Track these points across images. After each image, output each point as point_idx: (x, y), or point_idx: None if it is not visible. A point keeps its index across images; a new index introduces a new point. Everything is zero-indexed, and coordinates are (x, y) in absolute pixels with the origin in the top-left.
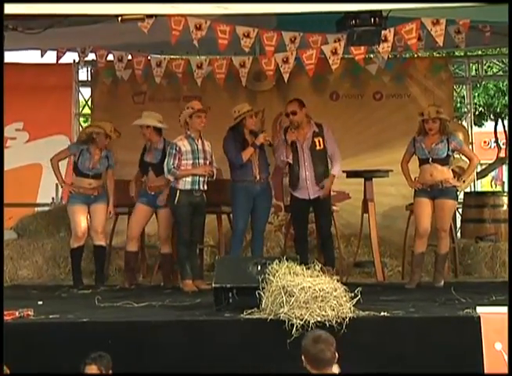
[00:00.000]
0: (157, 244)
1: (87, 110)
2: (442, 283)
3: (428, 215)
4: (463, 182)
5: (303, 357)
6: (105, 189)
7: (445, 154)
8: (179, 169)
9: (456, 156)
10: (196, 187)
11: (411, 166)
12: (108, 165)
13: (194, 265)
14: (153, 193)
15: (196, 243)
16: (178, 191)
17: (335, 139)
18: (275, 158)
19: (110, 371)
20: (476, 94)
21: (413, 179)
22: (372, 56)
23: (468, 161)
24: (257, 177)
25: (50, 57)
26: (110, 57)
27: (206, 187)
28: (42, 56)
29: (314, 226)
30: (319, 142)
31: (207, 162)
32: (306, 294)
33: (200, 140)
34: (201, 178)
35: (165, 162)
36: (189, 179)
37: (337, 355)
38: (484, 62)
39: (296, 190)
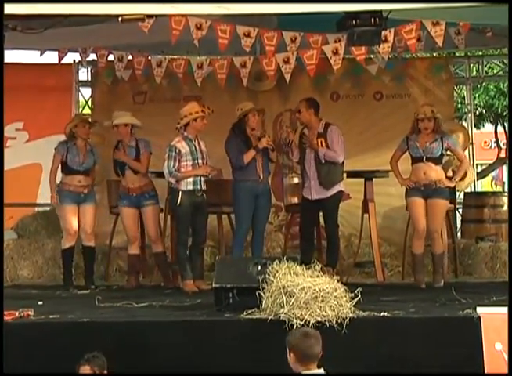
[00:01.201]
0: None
1: (87, 110)
2: (442, 283)
3: (424, 215)
4: (456, 182)
5: (291, 354)
6: (94, 188)
7: (439, 153)
8: (180, 171)
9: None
10: (198, 187)
11: (402, 165)
12: (94, 160)
13: (196, 265)
14: (134, 195)
15: (200, 243)
16: (180, 192)
17: (340, 141)
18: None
19: (105, 371)
20: (476, 95)
21: (404, 178)
22: (372, 56)
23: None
24: (261, 177)
25: (50, 57)
26: (111, 57)
27: (205, 187)
28: (41, 54)
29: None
30: (321, 143)
31: (205, 162)
32: (306, 294)
33: (197, 141)
34: (202, 178)
35: (165, 165)
36: (190, 180)
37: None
38: (485, 62)
39: (303, 189)
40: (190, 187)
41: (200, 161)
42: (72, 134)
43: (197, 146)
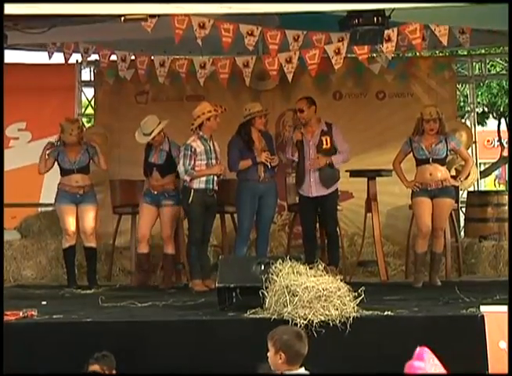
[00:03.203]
0: (161, 243)
1: (90, 110)
2: (439, 282)
3: (430, 214)
4: (461, 181)
5: (281, 354)
6: (93, 188)
7: (445, 154)
8: (193, 170)
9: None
10: (210, 186)
11: (403, 166)
12: (90, 155)
13: (205, 264)
14: (156, 193)
15: (208, 242)
16: (192, 190)
17: (345, 139)
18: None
19: (114, 371)
20: (479, 93)
21: (408, 179)
22: (375, 55)
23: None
24: (262, 176)
25: (53, 57)
26: (113, 57)
27: (217, 187)
28: (50, 57)
29: (317, 225)
30: (327, 140)
31: (219, 162)
32: (309, 293)
33: (211, 140)
34: (215, 178)
35: (180, 163)
36: (203, 179)
37: None
38: (488, 61)
39: (300, 188)
40: (202, 186)
41: (213, 161)
42: (59, 138)
43: (212, 146)
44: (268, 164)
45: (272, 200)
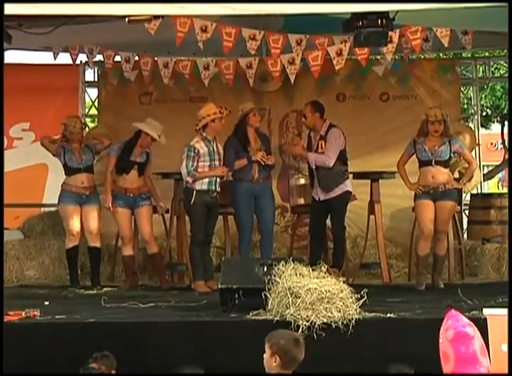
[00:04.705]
0: (164, 244)
1: (93, 111)
2: (442, 284)
3: (432, 217)
4: (464, 184)
5: (276, 357)
6: (96, 189)
7: (448, 156)
8: (196, 171)
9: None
10: (213, 188)
11: (408, 167)
12: (93, 151)
13: (207, 265)
14: (131, 195)
15: (210, 243)
16: (194, 191)
17: (337, 144)
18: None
19: (114, 371)
20: (483, 95)
21: (411, 181)
22: (379, 57)
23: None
24: (256, 176)
25: (58, 58)
26: (117, 58)
27: (220, 188)
28: (55, 58)
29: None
30: (321, 145)
31: (221, 163)
32: (312, 295)
33: (215, 142)
34: (218, 179)
35: (183, 164)
36: (206, 180)
37: None
38: (491, 63)
39: (312, 190)
40: (205, 187)
41: (216, 162)
42: (64, 136)
43: (215, 148)
44: (263, 163)
45: (269, 201)
